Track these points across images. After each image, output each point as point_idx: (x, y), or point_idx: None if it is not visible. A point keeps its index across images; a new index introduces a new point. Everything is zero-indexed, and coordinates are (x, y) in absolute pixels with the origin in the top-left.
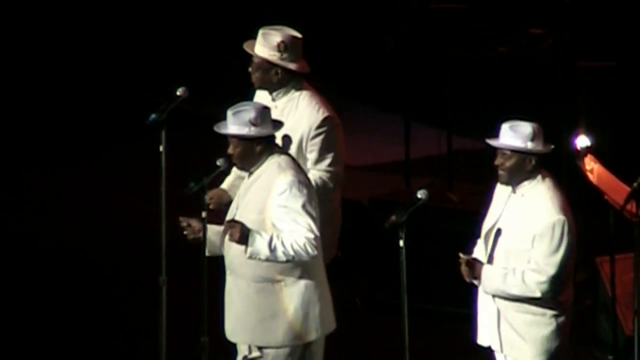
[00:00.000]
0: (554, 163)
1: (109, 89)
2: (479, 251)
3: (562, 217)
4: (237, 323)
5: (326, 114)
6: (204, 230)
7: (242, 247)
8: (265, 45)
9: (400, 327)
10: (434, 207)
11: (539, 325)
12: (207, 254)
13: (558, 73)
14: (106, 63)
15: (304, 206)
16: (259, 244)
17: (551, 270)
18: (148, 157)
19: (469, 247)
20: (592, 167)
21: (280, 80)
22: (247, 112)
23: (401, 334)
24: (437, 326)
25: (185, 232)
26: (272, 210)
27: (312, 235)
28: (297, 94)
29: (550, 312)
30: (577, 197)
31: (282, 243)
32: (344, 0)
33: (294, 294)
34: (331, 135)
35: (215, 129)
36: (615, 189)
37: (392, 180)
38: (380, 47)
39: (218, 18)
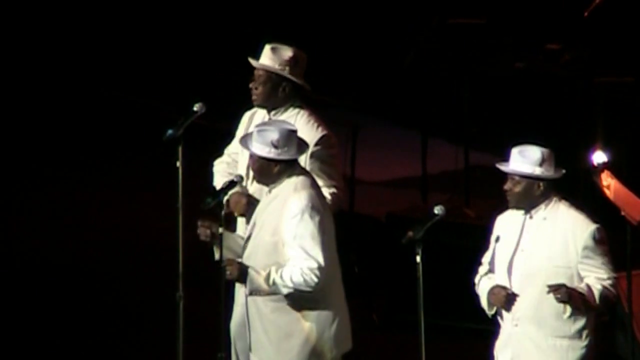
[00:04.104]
0: (571, 179)
1: (125, 103)
2: (502, 280)
3: (598, 225)
4: (255, 340)
5: (324, 132)
6: (221, 243)
7: (261, 265)
8: (276, 59)
9: (418, 344)
10: (451, 223)
11: (575, 349)
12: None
13: (575, 89)
14: (124, 77)
15: (312, 233)
16: (257, 281)
17: (612, 273)
18: (165, 172)
19: (472, 276)
20: (609, 183)
21: (286, 96)
22: (271, 132)
23: (419, 350)
24: (455, 343)
25: (199, 232)
26: (283, 233)
27: (315, 265)
28: (294, 112)
29: (584, 333)
30: (593, 213)
31: (282, 277)
32: (362, 16)
33: (310, 314)
34: (330, 153)
35: (240, 142)
36: (632, 204)
37: (409, 196)
38: (398, 62)
39: (236, 34)
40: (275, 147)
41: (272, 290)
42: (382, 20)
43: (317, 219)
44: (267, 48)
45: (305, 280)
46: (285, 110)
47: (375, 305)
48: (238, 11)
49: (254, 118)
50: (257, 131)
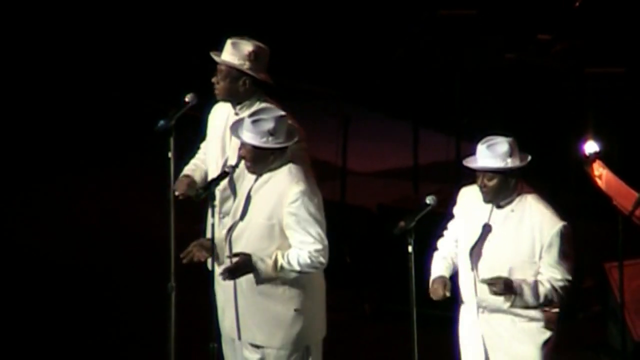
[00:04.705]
0: (562, 169)
1: (116, 96)
2: (464, 266)
3: (565, 223)
4: (237, 321)
5: (295, 126)
6: (212, 239)
7: (245, 250)
8: (236, 54)
9: (410, 334)
10: (442, 213)
11: (544, 332)
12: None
13: (566, 79)
14: (114, 71)
15: (313, 215)
16: (265, 270)
17: (568, 275)
18: (157, 163)
19: (427, 258)
20: (600, 173)
21: (246, 90)
22: (267, 122)
23: (410, 340)
24: (446, 333)
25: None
26: (283, 217)
27: (320, 246)
28: (255, 105)
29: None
30: (585, 203)
31: (289, 262)
32: (354, 7)
33: (296, 297)
34: (300, 146)
35: (232, 132)
36: (623, 194)
37: (400, 187)
38: (390, 53)
39: (227, 25)
40: (272, 135)
41: (281, 276)
42: (374, 11)
43: (315, 200)
44: (228, 43)
45: (312, 262)
46: (251, 105)
47: (367, 295)
48: (229, 2)
49: (216, 112)
50: (251, 121)
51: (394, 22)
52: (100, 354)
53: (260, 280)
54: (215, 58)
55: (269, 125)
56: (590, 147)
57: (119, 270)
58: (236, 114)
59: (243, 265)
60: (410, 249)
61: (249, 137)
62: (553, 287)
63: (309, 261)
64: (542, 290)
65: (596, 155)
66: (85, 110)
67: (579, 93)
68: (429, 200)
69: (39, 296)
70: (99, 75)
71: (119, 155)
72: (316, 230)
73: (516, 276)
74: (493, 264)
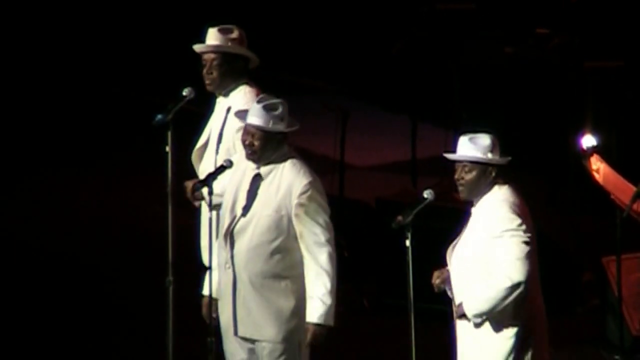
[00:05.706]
0: (561, 163)
1: (113, 90)
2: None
3: (513, 217)
4: (236, 316)
5: None
6: (210, 235)
7: (250, 244)
8: (226, 39)
9: (408, 328)
10: (440, 207)
11: (503, 339)
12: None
13: (565, 73)
14: (112, 65)
15: (321, 205)
16: (330, 310)
17: (511, 268)
18: (154, 157)
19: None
20: (598, 167)
21: (240, 73)
22: (276, 107)
23: (408, 335)
24: (444, 327)
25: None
26: (292, 209)
27: (330, 235)
28: (238, 89)
29: (514, 324)
30: (583, 197)
31: (325, 285)
32: (351, 1)
33: (296, 291)
34: None
35: (238, 117)
36: (621, 188)
37: (398, 181)
38: (388, 48)
39: (226, 19)
40: (281, 120)
41: (334, 295)
42: (372, 5)
43: (322, 191)
44: (214, 31)
45: (333, 259)
46: (234, 88)
47: (366, 289)
48: None
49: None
50: (262, 106)
51: (392, 16)
52: (99, 348)
53: (332, 320)
54: (205, 48)
55: (279, 110)
56: (588, 141)
57: (117, 265)
58: (218, 101)
59: (318, 334)
60: (408, 243)
61: (260, 121)
62: (489, 285)
63: (332, 262)
64: (480, 290)
65: (594, 149)
66: (83, 105)
67: (577, 87)
68: (426, 194)
69: (37, 290)
70: (97, 69)
71: (117, 149)
72: (324, 219)
73: (469, 272)
74: (462, 266)
